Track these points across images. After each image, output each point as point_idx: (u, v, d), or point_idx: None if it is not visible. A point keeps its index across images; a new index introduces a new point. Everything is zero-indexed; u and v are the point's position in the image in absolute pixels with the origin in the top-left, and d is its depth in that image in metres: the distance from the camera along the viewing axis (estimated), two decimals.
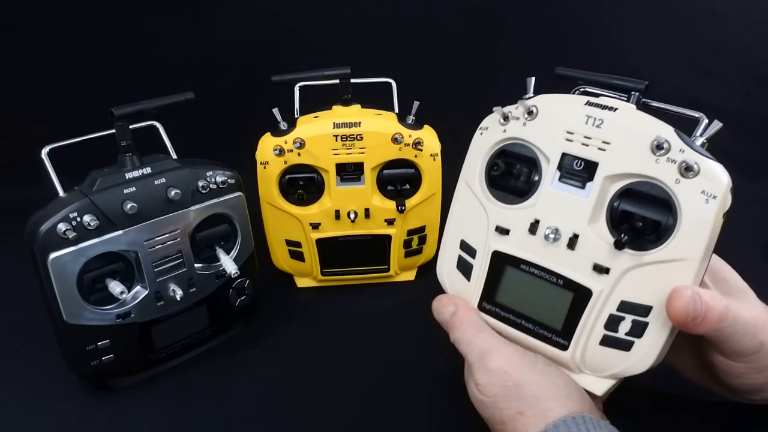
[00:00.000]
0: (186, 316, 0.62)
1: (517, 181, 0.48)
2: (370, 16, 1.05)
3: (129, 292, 0.57)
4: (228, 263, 0.61)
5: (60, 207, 0.52)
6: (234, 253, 0.63)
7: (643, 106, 0.45)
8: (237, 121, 0.94)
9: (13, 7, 0.99)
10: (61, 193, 0.55)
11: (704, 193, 0.40)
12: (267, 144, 0.67)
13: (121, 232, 0.55)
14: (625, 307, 0.43)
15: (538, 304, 0.46)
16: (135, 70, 1.02)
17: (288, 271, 0.75)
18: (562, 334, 0.45)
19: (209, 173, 0.60)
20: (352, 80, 0.67)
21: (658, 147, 0.41)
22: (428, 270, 0.77)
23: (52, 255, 0.51)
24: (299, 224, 0.71)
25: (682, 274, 0.41)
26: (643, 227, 0.42)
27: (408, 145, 0.67)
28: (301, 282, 0.77)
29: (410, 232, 0.73)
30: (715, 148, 0.42)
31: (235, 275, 0.62)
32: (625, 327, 0.43)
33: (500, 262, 0.47)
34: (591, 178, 0.44)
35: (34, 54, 1.01)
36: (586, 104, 0.45)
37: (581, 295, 0.44)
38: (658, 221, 0.41)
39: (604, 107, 0.44)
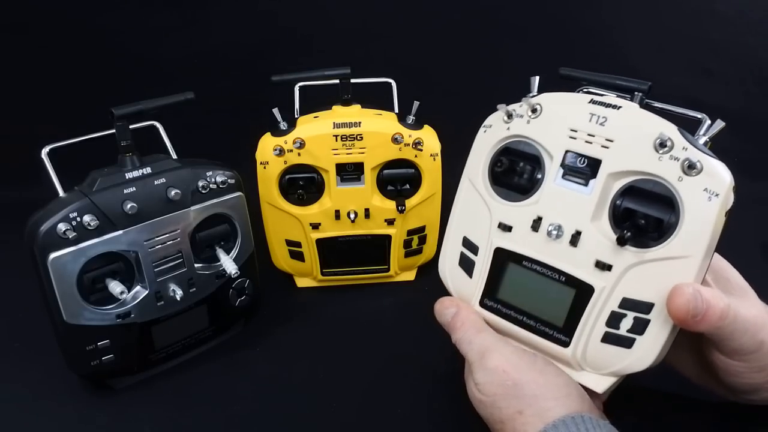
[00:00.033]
0: (186, 316, 0.62)
1: (520, 179, 0.48)
2: (370, 16, 1.05)
3: (129, 292, 0.57)
4: (228, 263, 0.61)
5: (60, 207, 0.52)
6: (234, 253, 0.63)
7: (645, 107, 0.46)
8: (237, 121, 0.94)
9: (13, 8, 0.99)
10: (61, 193, 0.55)
11: (707, 191, 0.40)
12: (267, 144, 0.67)
13: (121, 232, 0.55)
14: (627, 304, 0.43)
15: (539, 300, 0.46)
16: (135, 70, 1.02)
17: (288, 271, 0.75)
18: (563, 331, 0.45)
19: (209, 173, 0.60)
20: (352, 80, 0.67)
21: (662, 145, 0.41)
22: (428, 270, 0.77)
23: (52, 255, 0.51)
24: (299, 224, 0.71)
25: (684, 271, 0.41)
26: (646, 225, 0.42)
27: (408, 145, 0.67)
28: (301, 282, 0.77)
29: (410, 232, 0.73)
30: (715, 148, 0.42)
31: (235, 275, 0.62)
32: (626, 324, 0.43)
33: (502, 258, 0.48)
34: (594, 175, 0.44)
35: (34, 54, 1.01)
36: (589, 102, 0.45)
37: (583, 292, 0.44)
38: (660, 219, 0.42)
39: (607, 105, 0.44)
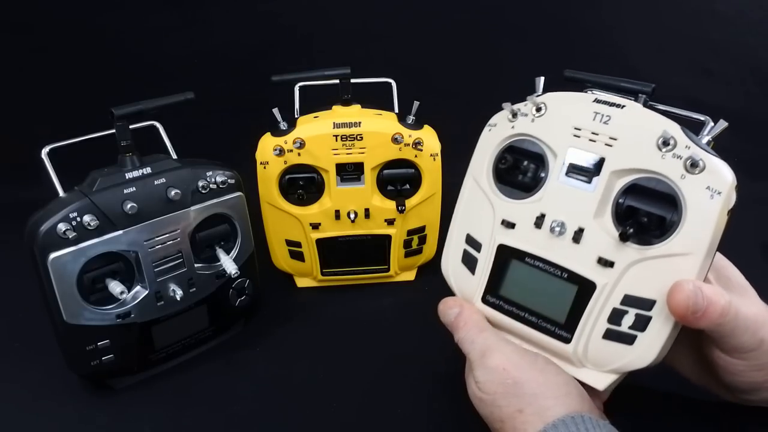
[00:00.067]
0: (186, 316, 0.62)
1: (524, 177, 0.48)
2: (370, 16, 1.05)
3: (129, 292, 0.57)
4: (228, 263, 0.61)
5: (60, 207, 0.52)
6: (234, 253, 0.63)
7: (649, 108, 0.46)
8: (237, 121, 0.94)
9: (12, 8, 0.99)
10: (61, 193, 0.55)
11: (709, 189, 0.40)
12: (267, 144, 0.67)
13: (121, 232, 0.55)
14: (629, 300, 0.43)
15: (542, 297, 0.46)
16: (135, 70, 1.02)
17: (288, 271, 0.75)
18: (565, 327, 0.45)
19: (209, 173, 0.60)
20: (352, 80, 0.67)
21: (665, 143, 0.41)
22: (428, 270, 0.77)
23: (52, 255, 0.51)
24: (299, 224, 0.71)
25: (686, 268, 0.41)
26: (648, 223, 0.42)
27: (408, 145, 0.67)
28: (301, 282, 0.77)
29: (410, 232, 0.73)
30: (716, 148, 0.42)
31: (235, 275, 0.62)
32: (628, 321, 0.43)
33: (505, 255, 0.48)
34: (597, 173, 0.44)
35: (34, 54, 1.01)
36: (594, 101, 0.45)
37: (585, 289, 0.44)
38: (662, 217, 0.42)
39: (611, 104, 0.45)
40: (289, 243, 0.72)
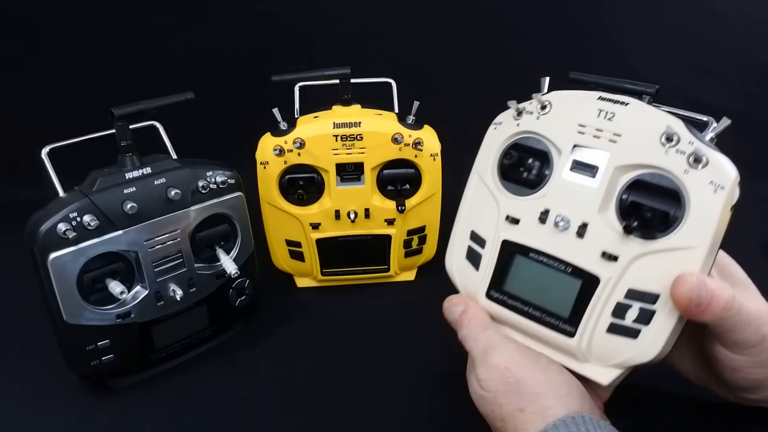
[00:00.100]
0: (186, 316, 0.62)
1: (528, 174, 0.48)
2: (370, 16, 1.05)
3: (129, 292, 0.57)
4: (228, 263, 0.61)
5: (60, 207, 0.52)
6: (234, 253, 0.63)
7: None
8: (237, 121, 0.93)
9: (12, 8, 0.99)
10: (61, 193, 0.55)
11: (712, 184, 0.40)
12: (267, 144, 0.67)
13: (121, 232, 0.55)
14: (633, 294, 0.43)
15: (545, 291, 0.47)
16: (135, 70, 1.02)
17: (288, 271, 0.75)
18: (569, 322, 0.45)
19: (209, 173, 0.60)
20: (352, 80, 0.67)
21: (668, 139, 0.42)
22: (428, 270, 0.77)
23: (52, 255, 0.51)
24: (299, 224, 0.71)
25: (690, 262, 0.41)
26: (652, 218, 0.42)
27: (408, 145, 0.67)
28: (301, 282, 0.77)
29: (410, 232, 0.73)
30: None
31: (235, 275, 0.62)
32: (632, 315, 0.43)
33: (510, 250, 0.48)
34: (601, 168, 0.45)
35: (34, 54, 1.01)
36: (598, 99, 0.46)
37: (589, 283, 0.44)
38: (666, 212, 0.42)
39: (615, 102, 0.45)
40: (289, 243, 0.72)
